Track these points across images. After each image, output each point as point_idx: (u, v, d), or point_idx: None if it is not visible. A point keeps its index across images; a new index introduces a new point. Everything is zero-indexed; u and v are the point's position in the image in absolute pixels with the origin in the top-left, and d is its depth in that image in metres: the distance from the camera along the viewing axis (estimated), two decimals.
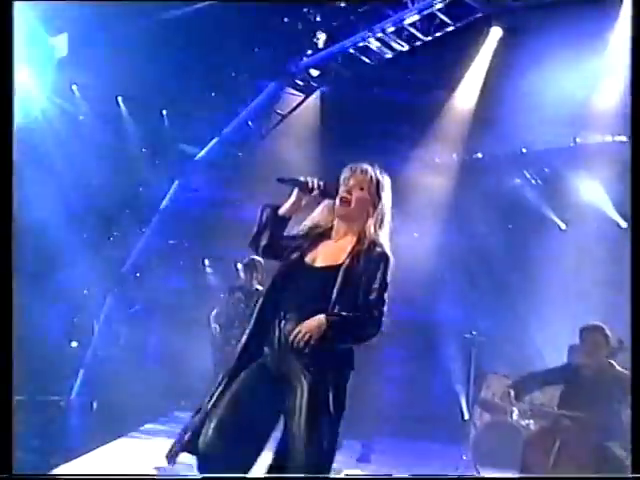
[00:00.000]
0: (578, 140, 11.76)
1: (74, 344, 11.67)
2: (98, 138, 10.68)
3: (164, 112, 10.86)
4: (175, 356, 11.73)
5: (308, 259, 3.39)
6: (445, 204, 12.91)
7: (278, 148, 11.18)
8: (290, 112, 10.73)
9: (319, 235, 3.47)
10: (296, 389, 3.09)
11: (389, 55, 10.07)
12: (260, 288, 8.09)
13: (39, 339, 11.00)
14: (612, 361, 6.16)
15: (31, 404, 10.33)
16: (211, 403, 3.12)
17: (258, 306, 3.40)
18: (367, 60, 10.05)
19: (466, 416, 8.86)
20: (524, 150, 12.23)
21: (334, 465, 3.27)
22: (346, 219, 3.36)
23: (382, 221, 3.42)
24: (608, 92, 11.18)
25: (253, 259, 8.40)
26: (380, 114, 11.40)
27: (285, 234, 3.52)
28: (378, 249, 3.32)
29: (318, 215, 3.54)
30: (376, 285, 3.29)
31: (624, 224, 11.25)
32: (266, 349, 3.24)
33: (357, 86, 10.96)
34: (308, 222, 3.58)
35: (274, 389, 3.15)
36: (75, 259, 11.35)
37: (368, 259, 3.27)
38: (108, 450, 7.94)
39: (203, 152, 11.07)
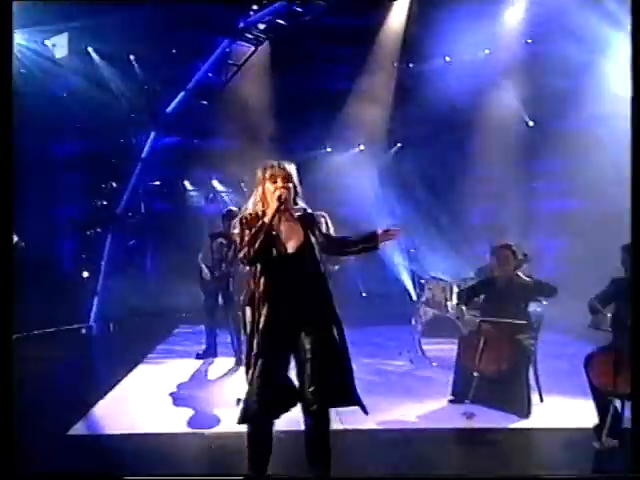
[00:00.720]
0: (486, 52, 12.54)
1: (85, 274, 12.13)
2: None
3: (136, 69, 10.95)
4: (173, 277, 12.01)
5: (285, 249, 3.90)
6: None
7: (237, 93, 11.72)
8: (244, 63, 11.03)
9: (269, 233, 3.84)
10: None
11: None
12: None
13: (55, 272, 11.70)
14: (518, 272, 6.66)
15: (56, 335, 11.06)
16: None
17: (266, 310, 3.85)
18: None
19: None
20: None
21: None
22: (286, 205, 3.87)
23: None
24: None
25: (230, 210, 8.77)
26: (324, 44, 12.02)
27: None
28: (310, 213, 4.10)
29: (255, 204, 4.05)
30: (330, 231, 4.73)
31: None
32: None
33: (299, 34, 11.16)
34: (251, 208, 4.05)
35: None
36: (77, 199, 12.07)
37: (313, 224, 4.06)
38: (132, 380, 8.22)
39: (172, 105, 11.39)
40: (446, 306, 8.71)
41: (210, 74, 11.11)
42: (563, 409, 6.42)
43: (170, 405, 6.97)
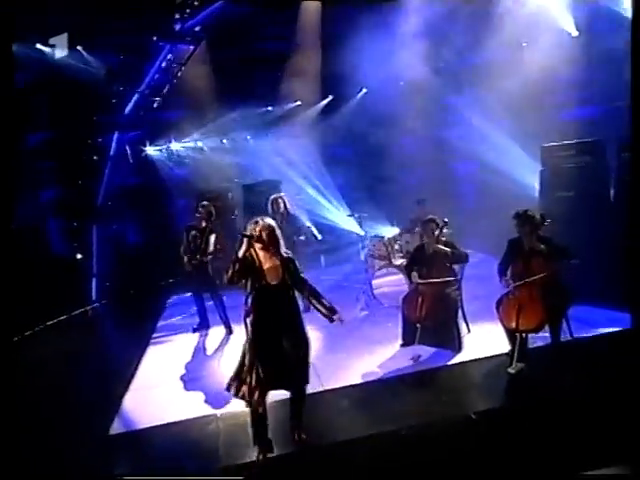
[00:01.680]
0: None
1: (79, 256, 12.14)
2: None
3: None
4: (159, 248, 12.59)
5: (267, 281, 4.87)
6: None
7: (185, 89, 11.96)
8: (186, 62, 11.07)
9: (251, 264, 4.89)
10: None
11: None
12: (204, 225, 8.97)
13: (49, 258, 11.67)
14: (439, 245, 7.23)
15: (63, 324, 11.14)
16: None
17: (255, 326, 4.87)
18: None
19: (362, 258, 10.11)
20: None
21: None
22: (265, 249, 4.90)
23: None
24: None
25: (204, 204, 9.14)
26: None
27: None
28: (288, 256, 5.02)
29: (244, 252, 4.87)
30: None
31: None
32: None
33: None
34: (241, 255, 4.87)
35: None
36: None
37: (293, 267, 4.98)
38: (147, 367, 8.29)
39: (129, 107, 11.53)
40: (389, 258, 9.38)
41: (157, 75, 11.18)
42: (487, 339, 7.19)
43: (184, 389, 7.33)
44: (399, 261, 9.19)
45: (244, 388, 4.83)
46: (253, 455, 5.09)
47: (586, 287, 7.21)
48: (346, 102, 14.58)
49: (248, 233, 4.90)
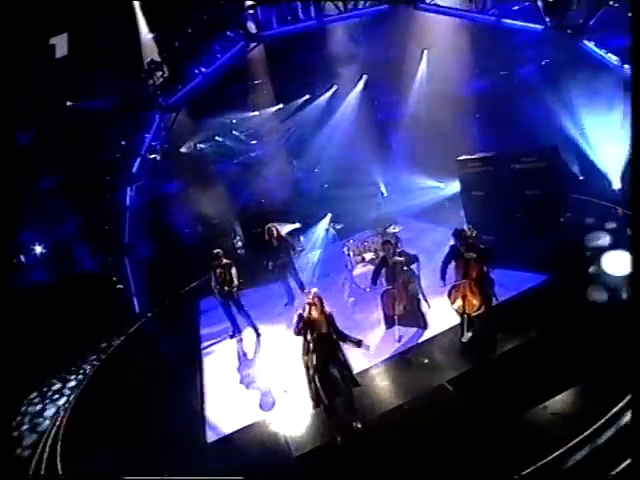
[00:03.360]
0: None
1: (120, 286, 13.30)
2: None
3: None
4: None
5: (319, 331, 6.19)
6: None
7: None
8: (172, 124, 11.63)
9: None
10: None
11: None
12: (225, 261, 9.53)
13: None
14: (395, 255, 8.19)
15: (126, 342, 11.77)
16: None
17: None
18: None
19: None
20: None
21: None
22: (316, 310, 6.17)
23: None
24: None
25: (217, 253, 9.67)
26: None
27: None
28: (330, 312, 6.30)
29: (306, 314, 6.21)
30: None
31: None
32: None
33: None
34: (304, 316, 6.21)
35: None
36: None
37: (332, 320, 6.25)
38: (210, 378, 8.84)
39: (136, 166, 12.25)
40: (363, 258, 10.43)
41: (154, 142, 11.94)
42: (445, 316, 8.26)
43: (244, 393, 8.11)
44: (369, 256, 10.35)
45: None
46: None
47: (501, 255, 8.17)
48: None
49: (306, 301, 6.26)
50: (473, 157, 9.31)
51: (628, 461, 4.83)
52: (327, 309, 6.34)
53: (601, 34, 7.29)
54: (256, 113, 14.53)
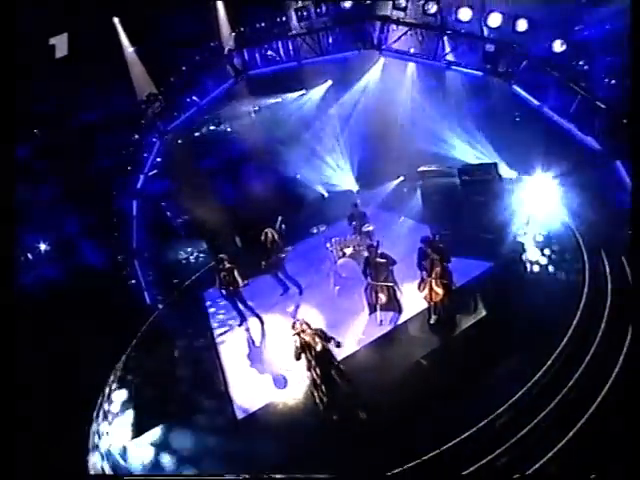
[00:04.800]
0: None
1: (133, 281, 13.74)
2: None
3: None
4: None
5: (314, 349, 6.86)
6: None
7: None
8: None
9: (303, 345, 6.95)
10: None
11: None
12: (228, 266, 10.16)
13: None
14: (377, 257, 9.05)
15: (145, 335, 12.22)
16: None
17: None
18: None
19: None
20: None
21: None
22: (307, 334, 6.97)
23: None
24: None
25: (221, 257, 10.35)
26: None
27: None
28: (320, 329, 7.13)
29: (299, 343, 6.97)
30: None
31: None
32: None
33: None
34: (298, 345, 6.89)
35: None
36: None
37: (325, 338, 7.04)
38: (229, 364, 9.47)
39: (140, 183, 12.82)
40: (344, 253, 11.23)
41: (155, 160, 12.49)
42: (415, 302, 9.22)
43: (257, 376, 8.89)
44: (349, 251, 11.24)
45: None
46: None
47: (455, 246, 9.45)
48: None
49: (295, 332, 6.93)
50: (432, 169, 10.33)
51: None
52: (315, 327, 7.06)
53: (527, 80, 8.30)
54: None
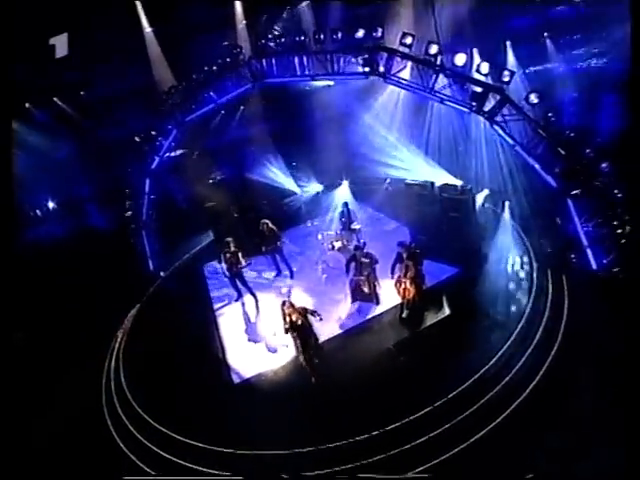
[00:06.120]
0: None
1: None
2: None
3: None
4: None
5: (298, 322, 8.34)
6: None
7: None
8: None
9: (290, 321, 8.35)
10: None
11: None
12: (233, 249, 11.12)
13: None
14: (362, 257, 10.20)
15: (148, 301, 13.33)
16: None
17: None
18: None
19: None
20: None
21: None
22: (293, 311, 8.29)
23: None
24: None
25: (228, 241, 11.19)
26: None
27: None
28: (303, 307, 8.50)
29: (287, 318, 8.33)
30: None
31: None
32: None
33: None
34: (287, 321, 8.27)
35: None
36: None
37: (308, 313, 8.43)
38: (226, 332, 10.49)
39: (155, 164, 13.70)
40: (333, 247, 12.29)
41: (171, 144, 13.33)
42: (391, 297, 10.36)
43: (253, 346, 9.93)
44: (338, 245, 12.33)
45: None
46: None
47: (429, 251, 10.65)
48: None
49: (284, 309, 8.27)
50: (417, 183, 11.50)
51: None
52: (299, 307, 8.40)
53: (506, 122, 9.52)
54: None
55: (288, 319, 8.22)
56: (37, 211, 19.04)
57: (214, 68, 11.22)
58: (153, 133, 12.35)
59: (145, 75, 16.20)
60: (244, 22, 14.97)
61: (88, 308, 12.40)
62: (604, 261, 9.41)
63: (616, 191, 8.97)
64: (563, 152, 8.88)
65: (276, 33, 11.69)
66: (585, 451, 6.49)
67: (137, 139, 12.71)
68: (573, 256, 9.62)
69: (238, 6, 15.59)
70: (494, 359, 8.45)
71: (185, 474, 7.63)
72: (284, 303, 8.40)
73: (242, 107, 16.67)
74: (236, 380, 9.48)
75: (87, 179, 17.60)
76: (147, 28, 16.67)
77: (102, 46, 15.48)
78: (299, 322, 8.25)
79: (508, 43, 13.84)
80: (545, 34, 13.62)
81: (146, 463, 8.13)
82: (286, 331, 8.34)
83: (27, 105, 15.59)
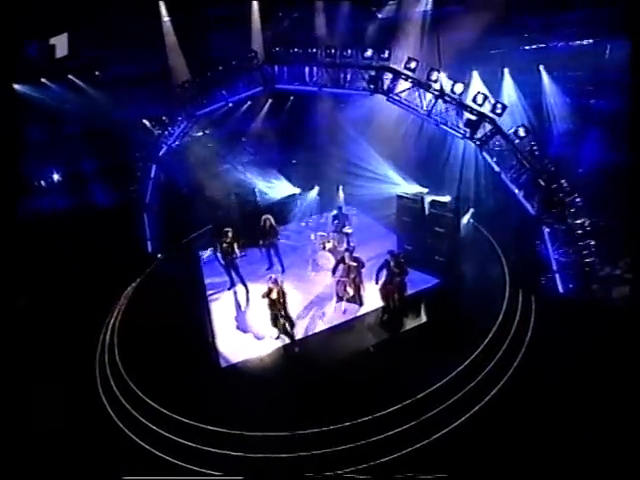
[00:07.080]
0: None
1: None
2: None
3: None
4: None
5: (276, 299, 9.39)
6: None
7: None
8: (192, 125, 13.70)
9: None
10: None
11: None
12: (230, 240, 11.57)
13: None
14: (350, 260, 10.50)
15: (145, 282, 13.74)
16: None
17: None
18: None
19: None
20: None
21: None
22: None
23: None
24: None
25: (226, 231, 11.65)
26: None
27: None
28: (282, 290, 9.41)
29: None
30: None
31: None
32: None
33: None
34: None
35: None
36: None
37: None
38: (218, 319, 10.96)
39: (163, 151, 14.05)
40: (325, 247, 12.68)
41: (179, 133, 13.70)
42: (374, 300, 10.86)
43: (241, 334, 10.33)
44: (329, 246, 12.75)
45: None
46: None
47: (414, 261, 11.27)
48: None
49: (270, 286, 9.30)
50: (408, 195, 12.02)
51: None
52: (281, 288, 9.45)
53: (494, 149, 10.15)
54: None
55: (267, 290, 9.41)
56: (42, 182, 19.31)
57: (228, 68, 11.57)
58: (164, 119, 12.65)
59: (160, 62, 16.47)
60: (259, 25, 15.27)
61: (85, 281, 12.76)
62: (570, 286, 10.10)
63: (587, 222, 9.64)
64: (543, 184, 9.49)
65: (290, 42, 12.07)
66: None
67: (147, 123, 12.96)
68: (543, 279, 10.30)
69: (255, 6, 15.90)
70: (465, 363, 9.03)
71: (170, 449, 8.08)
72: (270, 277, 9.58)
73: (249, 102, 16.93)
74: (223, 364, 9.92)
75: (94, 156, 17.84)
76: (165, 17, 16.96)
77: (119, 29, 15.68)
78: (273, 296, 9.47)
79: (506, 70, 14.39)
80: (541, 66, 14.14)
81: (138, 435, 8.59)
82: (262, 296, 9.57)
83: (43, 80, 15.75)
